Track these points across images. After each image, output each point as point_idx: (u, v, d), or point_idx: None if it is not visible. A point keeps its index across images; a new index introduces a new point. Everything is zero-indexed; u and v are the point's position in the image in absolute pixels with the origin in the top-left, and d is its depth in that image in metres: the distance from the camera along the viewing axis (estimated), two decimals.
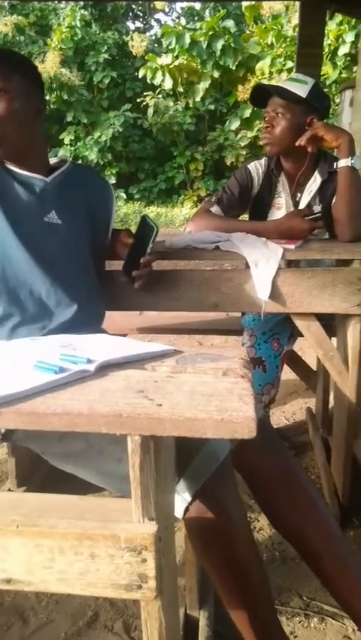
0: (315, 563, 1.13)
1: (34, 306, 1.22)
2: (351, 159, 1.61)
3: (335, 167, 1.66)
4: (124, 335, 2.00)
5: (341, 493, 1.76)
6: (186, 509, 0.92)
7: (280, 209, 1.85)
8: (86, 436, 1.01)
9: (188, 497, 0.92)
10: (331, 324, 1.76)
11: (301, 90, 1.71)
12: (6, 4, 13.22)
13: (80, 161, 11.86)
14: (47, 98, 12.08)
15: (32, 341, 1.04)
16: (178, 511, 0.93)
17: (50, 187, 1.31)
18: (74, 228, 1.33)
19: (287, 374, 2.24)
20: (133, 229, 1.50)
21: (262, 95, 1.77)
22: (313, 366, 2.39)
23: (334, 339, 1.76)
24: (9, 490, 1.59)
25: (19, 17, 13.68)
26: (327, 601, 1.37)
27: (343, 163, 1.63)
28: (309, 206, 1.81)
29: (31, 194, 1.27)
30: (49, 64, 12.73)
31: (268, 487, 1.12)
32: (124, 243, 1.44)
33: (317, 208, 1.80)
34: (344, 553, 1.12)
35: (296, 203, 1.84)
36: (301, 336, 1.77)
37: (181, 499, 0.92)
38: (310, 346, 1.69)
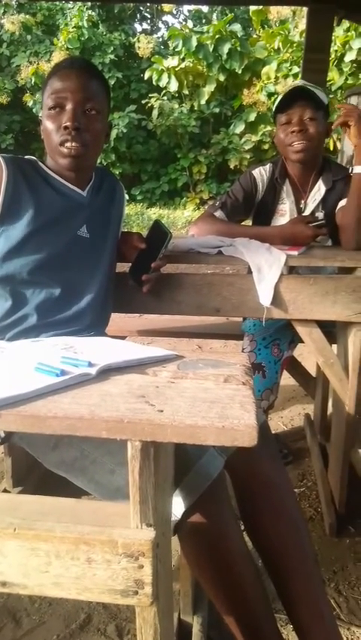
0: (282, 580, 1.08)
1: (49, 313, 1.23)
2: None
3: (350, 171, 1.63)
4: (123, 337, 2.00)
5: (338, 500, 1.76)
6: (178, 525, 0.91)
7: (284, 215, 1.85)
8: (80, 445, 1.01)
9: (180, 513, 0.91)
10: (332, 331, 1.76)
11: (322, 95, 1.72)
12: (13, 2, 13.23)
13: None
14: None
15: (33, 343, 1.04)
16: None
17: (85, 202, 1.32)
18: (100, 242, 1.35)
19: (286, 379, 2.24)
20: (135, 231, 1.50)
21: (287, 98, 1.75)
22: (313, 372, 2.39)
23: (334, 346, 1.76)
24: (4, 490, 1.59)
25: (27, 16, 13.69)
26: None
27: (359, 170, 1.60)
28: (313, 214, 1.81)
29: (69, 207, 1.28)
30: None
31: (256, 494, 1.09)
32: (135, 247, 1.44)
33: (320, 215, 1.80)
34: (312, 575, 1.08)
35: (300, 211, 1.85)
36: (302, 342, 1.77)
37: (173, 516, 0.91)
38: (311, 353, 1.68)
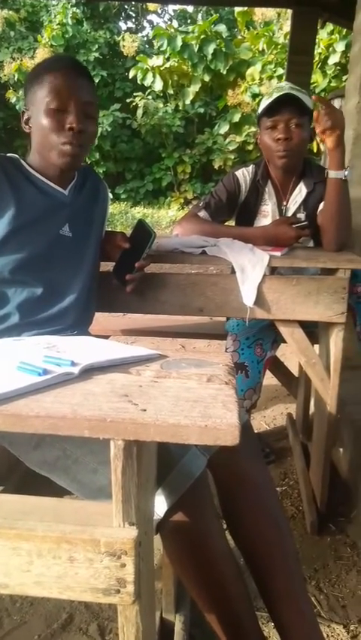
0: (263, 578, 1.09)
1: (31, 312, 1.22)
2: (345, 171, 1.59)
3: (326, 175, 1.64)
4: (107, 336, 2.00)
5: (319, 499, 1.78)
6: (160, 524, 0.91)
7: (267, 217, 1.86)
8: (62, 445, 1.00)
9: (162, 513, 0.91)
10: (314, 331, 1.78)
11: (308, 100, 1.72)
12: None
13: None
14: None
15: (15, 342, 1.03)
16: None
17: (67, 200, 1.32)
18: (82, 241, 1.35)
19: (269, 379, 2.26)
20: (119, 230, 1.50)
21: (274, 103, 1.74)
22: (295, 372, 2.41)
23: (316, 347, 1.77)
24: None
25: (10, 12, 13.57)
26: None
27: (335, 175, 1.60)
28: (294, 215, 1.83)
29: (51, 206, 1.28)
30: (39, 61, 12.65)
31: (238, 493, 1.10)
32: (118, 246, 1.44)
33: (302, 217, 1.81)
34: (293, 573, 1.09)
35: (282, 213, 1.86)
36: (284, 342, 1.79)
37: (155, 515, 0.91)
38: (293, 353, 1.70)
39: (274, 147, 1.74)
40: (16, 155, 1.30)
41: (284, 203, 1.86)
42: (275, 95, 1.71)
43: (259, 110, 1.79)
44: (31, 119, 1.28)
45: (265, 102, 1.76)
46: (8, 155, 1.29)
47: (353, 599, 1.46)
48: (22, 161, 1.29)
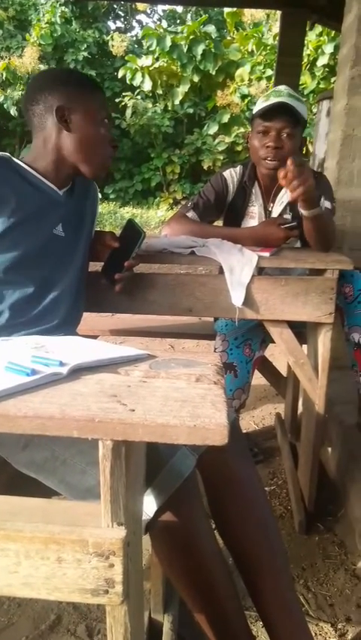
0: (251, 577, 1.09)
1: (21, 312, 1.22)
2: (323, 206, 1.54)
3: (300, 214, 1.58)
4: (95, 336, 1.99)
5: (308, 498, 1.78)
6: (150, 524, 0.91)
7: (254, 218, 1.87)
8: (51, 445, 1.00)
9: (151, 512, 0.91)
10: (302, 331, 1.79)
11: (303, 110, 1.72)
12: None
13: None
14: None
15: (3, 342, 1.03)
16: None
17: (61, 199, 1.30)
18: (74, 241, 1.34)
19: (257, 379, 2.26)
20: (108, 230, 1.50)
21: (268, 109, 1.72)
22: (284, 372, 2.42)
23: (305, 347, 1.78)
24: None
25: None
26: None
27: (308, 214, 1.54)
28: (281, 216, 1.83)
29: (45, 203, 1.26)
30: (27, 60, 12.61)
31: (226, 493, 1.10)
32: (108, 246, 1.44)
33: (288, 217, 1.82)
34: (281, 572, 1.10)
35: (268, 214, 1.87)
36: (273, 342, 1.79)
37: (144, 514, 0.91)
38: (282, 353, 1.71)
39: (262, 153, 1.74)
40: (7, 154, 1.29)
41: (271, 204, 1.87)
42: (272, 100, 1.70)
43: (255, 110, 1.78)
44: (73, 121, 1.24)
45: (260, 103, 1.75)
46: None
47: (341, 598, 1.47)
48: (15, 159, 1.27)
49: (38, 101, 1.24)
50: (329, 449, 2.09)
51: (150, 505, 0.91)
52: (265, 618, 1.09)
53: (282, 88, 1.75)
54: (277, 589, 1.07)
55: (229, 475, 1.10)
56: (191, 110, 13.28)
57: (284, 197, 1.84)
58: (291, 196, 1.46)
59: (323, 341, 1.61)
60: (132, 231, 1.41)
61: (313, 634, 1.33)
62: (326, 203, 1.74)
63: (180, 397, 0.71)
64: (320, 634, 1.36)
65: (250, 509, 1.10)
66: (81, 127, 1.24)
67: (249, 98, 12.18)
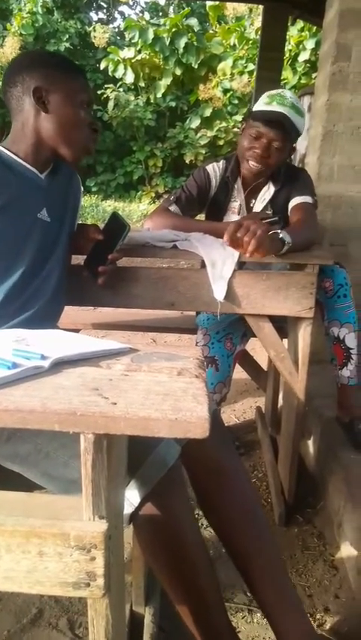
0: (243, 565, 1.12)
1: (5, 302, 1.20)
2: (288, 245, 1.49)
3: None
4: (77, 330, 1.99)
5: (287, 490, 1.81)
6: (134, 514, 0.92)
7: (235, 213, 1.87)
8: (34, 438, 1.00)
9: (136, 502, 0.91)
10: (283, 325, 1.80)
11: (301, 124, 1.72)
12: None
13: None
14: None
15: None
16: (125, 517, 0.92)
17: (44, 184, 1.28)
18: (58, 227, 1.33)
19: (238, 373, 2.28)
20: (90, 223, 1.49)
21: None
22: (265, 366, 2.43)
23: (285, 341, 1.80)
24: None
25: None
26: None
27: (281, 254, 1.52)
28: (263, 211, 1.84)
29: (27, 188, 1.23)
30: (8, 50, 12.41)
31: (210, 481, 1.11)
32: (91, 239, 1.42)
33: (270, 213, 1.83)
34: (271, 554, 1.12)
35: (250, 210, 1.87)
36: (254, 336, 1.80)
37: (129, 504, 0.91)
38: (263, 347, 1.72)
39: (248, 155, 1.74)
40: None
41: (253, 200, 1.87)
42: (274, 107, 1.67)
43: (255, 107, 1.76)
44: (51, 102, 1.21)
45: (262, 104, 1.72)
46: None
47: (320, 589, 1.49)
48: None
49: (16, 83, 1.21)
50: (309, 442, 2.11)
51: (134, 494, 0.91)
52: (261, 603, 1.12)
53: (288, 95, 1.71)
54: (270, 573, 1.10)
55: (214, 466, 1.11)
56: (173, 104, 13.23)
57: (266, 194, 1.85)
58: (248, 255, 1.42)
59: (303, 335, 1.63)
60: (116, 224, 1.40)
61: None
62: (308, 198, 1.75)
63: (161, 391, 0.71)
64: None
65: (236, 498, 1.11)
66: (59, 108, 1.21)
67: (231, 92, 12.17)
